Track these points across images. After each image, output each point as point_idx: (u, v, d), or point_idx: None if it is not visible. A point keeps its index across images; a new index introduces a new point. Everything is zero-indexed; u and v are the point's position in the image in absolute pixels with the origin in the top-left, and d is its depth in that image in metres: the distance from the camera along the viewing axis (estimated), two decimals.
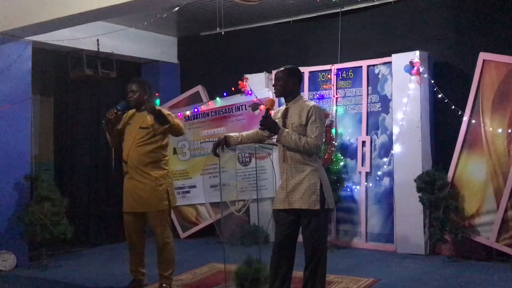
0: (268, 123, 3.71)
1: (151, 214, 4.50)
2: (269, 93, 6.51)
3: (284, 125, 3.79)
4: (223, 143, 3.99)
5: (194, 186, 7.29)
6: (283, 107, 3.92)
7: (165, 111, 4.52)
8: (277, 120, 3.82)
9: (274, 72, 3.99)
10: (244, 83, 6.80)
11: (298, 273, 3.96)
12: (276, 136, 3.74)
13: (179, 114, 7.30)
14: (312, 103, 3.82)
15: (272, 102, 3.82)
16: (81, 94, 7.42)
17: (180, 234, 7.29)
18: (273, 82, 3.91)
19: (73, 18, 5.19)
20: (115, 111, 4.51)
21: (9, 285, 5.20)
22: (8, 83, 5.87)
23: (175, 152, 7.36)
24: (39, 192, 5.80)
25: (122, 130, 4.66)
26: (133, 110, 4.67)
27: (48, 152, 7.66)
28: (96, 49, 6.71)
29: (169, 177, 4.63)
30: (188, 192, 7.32)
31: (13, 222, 5.77)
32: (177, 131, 4.56)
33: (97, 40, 6.68)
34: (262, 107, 6.08)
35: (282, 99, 3.95)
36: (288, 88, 3.83)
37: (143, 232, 4.70)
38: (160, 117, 4.41)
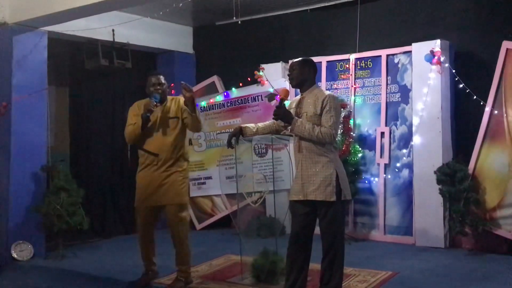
0: (281, 113, 3.72)
1: (170, 207, 4.52)
2: (286, 83, 6.50)
3: (299, 115, 3.80)
4: (239, 135, 4.01)
5: (210, 177, 7.33)
6: (298, 97, 3.94)
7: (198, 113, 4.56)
8: (291, 110, 3.83)
9: (291, 61, 4.01)
10: (260, 73, 6.81)
11: (315, 265, 3.98)
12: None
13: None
14: (327, 92, 3.83)
15: (286, 93, 3.83)
16: (97, 84, 7.49)
17: (196, 225, 7.35)
18: (288, 72, 3.95)
19: (89, 8, 5.22)
20: (155, 103, 4.53)
21: (26, 275, 5.30)
22: (24, 74, 5.94)
23: (190, 143, 7.40)
24: (55, 182, 5.88)
25: (152, 125, 4.63)
26: (144, 102, 4.66)
27: (64, 143, 7.74)
28: (111, 39, 6.76)
29: (187, 172, 4.70)
30: (204, 183, 7.37)
31: (30, 213, 5.87)
32: (197, 125, 4.57)
33: (113, 30, 6.73)
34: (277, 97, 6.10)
35: (298, 91, 3.97)
36: (303, 77, 3.84)
37: (156, 225, 4.76)
38: (193, 104, 4.46)
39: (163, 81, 4.63)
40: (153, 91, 4.58)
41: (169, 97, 4.71)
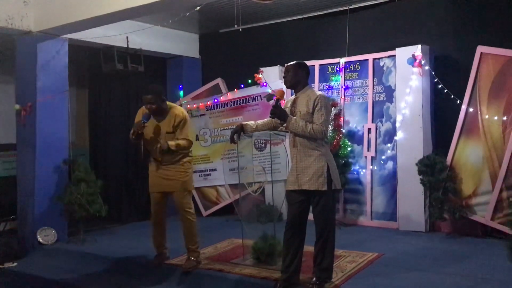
0: (277, 112, 3.72)
1: (178, 193, 4.55)
2: (283, 85, 6.46)
3: (293, 113, 3.80)
4: (240, 131, 4.01)
5: (214, 169, 7.34)
6: (293, 97, 3.94)
7: (173, 144, 4.41)
8: (286, 109, 3.83)
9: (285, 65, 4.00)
10: (260, 75, 6.80)
11: (309, 247, 3.99)
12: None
13: (200, 104, 7.34)
14: (319, 92, 3.83)
15: (282, 93, 3.83)
16: (113, 86, 7.49)
17: (203, 212, 7.36)
18: (283, 75, 3.93)
19: (105, 17, 5.22)
20: (142, 125, 4.44)
21: (50, 257, 5.33)
22: (47, 77, 5.95)
23: (197, 138, 7.41)
24: (76, 174, 5.90)
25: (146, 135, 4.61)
26: (143, 110, 4.56)
27: (84, 139, 7.76)
28: (125, 46, 6.75)
29: (192, 165, 4.71)
30: (209, 174, 7.37)
31: (53, 202, 5.90)
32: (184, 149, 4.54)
33: (127, 37, 6.71)
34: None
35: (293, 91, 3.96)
36: (296, 79, 3.84)
37: (165, 210, 4.77)
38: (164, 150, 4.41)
39: (151, 100, 4.38)
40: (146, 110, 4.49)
41: (171, 108, 4.55)
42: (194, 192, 7.41)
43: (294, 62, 3.91)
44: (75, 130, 7.47)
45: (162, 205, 4.71)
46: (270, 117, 3.83)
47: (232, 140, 4.02)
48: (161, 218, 4.74)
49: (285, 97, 4.21)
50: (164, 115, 4.54)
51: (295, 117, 3.73)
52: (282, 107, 3.86)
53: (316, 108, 3.70)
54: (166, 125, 4.53)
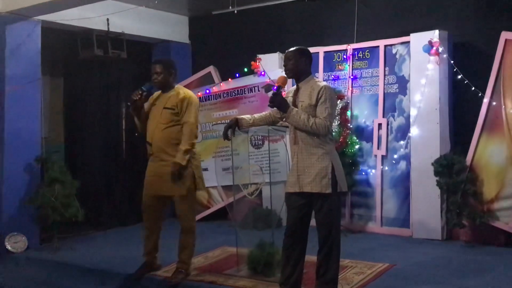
0: (277, 101, 3.71)
1: (176, 197, 4.50)
2: (283, 74, 6.48)
3: (295, 105, 3.79)
4: (235, 126, 4.00)
5: (206, 169, 7.30)
6: (294, 87, 3.92)
7: (182, 151, 4.37)
8: (287, 99, 3.81)
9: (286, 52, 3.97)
10: (257, 63, 6.79)
11: (311, 257, 4.00)
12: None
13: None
14: (324, 83, 3.81)
15: (284, 80, 3.82)
16: (91, 75, 7.46)
17: None
18: (284, 63, 3.89)
19: None
20: (140, 92, 4.48)
21: (20, 267, 5.31)
22: (17, 64, 5.92)
23: None
24: (50, 174, 5.88)
25: (148, 113, 4.63)
26: (159, 92, 4.65)
27: (59, 134, 7.75)
28: (106, 29, 6.72)
29: (195, 159, 4.57)
30: None
31: (24, 205, 5.87)
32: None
33: (107, 19, 6.69)
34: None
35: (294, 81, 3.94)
36: (299, 68, 3.82)
37: (162, 215, 4.71)
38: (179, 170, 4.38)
39: (158, 70, 4.53)
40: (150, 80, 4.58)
41: (177, 88, 4.62)
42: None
43: (294, 48, 3.87)
44: (49, 123, 7.44)
45: (157, 210, 4.63)
46: (268, 106, 3.79)
47: (225, 136, 4.01)
48: (156, 223, 4.68)
49: (287, 86, 4.20)
50: (168, 92, 4.57)
51: (296, 109, 3.71)
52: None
53: (320, 101, 3.69)
54: (166, 99, 4.53)
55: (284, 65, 3.89)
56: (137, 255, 4.84)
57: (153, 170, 4.57)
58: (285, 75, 3.90)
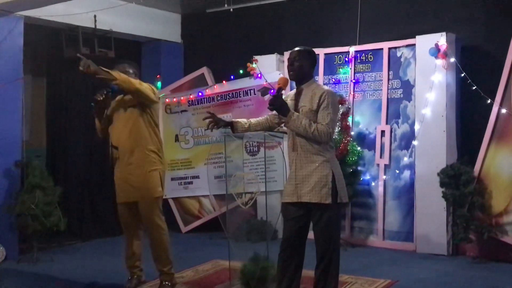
0: (277, 103, 3.70)
1: (142, 202, 4.53)
2: (281, 76, 6.50)
3: (295, 109, 3.79)
4: (224, 125, 4.00)
5: (197, 177, 7.33)
6: (293, 91, 3.92)
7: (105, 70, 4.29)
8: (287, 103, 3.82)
9: (286, 53, 3.98)
10: (253, 65, 6.81)
11: (308, 272, 3.99)
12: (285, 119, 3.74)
13: (182, 98, 7.34)
14: (326, 87, 3.82)
15: (285, 81, 3.82)
16: (76, 74, 7.40)
17: (182, 228, 7.35)
18: (288, 63, 3.87)
19: None
20: (105, 92, 4.50)
21: None
22: None
23: (177, 139, 7.41)
24: (30, 180, 5.86)
25: (110, 116, 4.65)
26: (121, 95, 4.64)
27: (40, 137, 7.71)
28: (93, 26, 6.73)
29: (162, 164, 4.64)
30: (190, 183, 7.36)
31: (2, 213, 5.85)
32: (128, 88, 4.35)
33: (94, 16, 6.70)
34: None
35: (293, 84, 3.94)
36: (304, 70, 3.81)
37: (139, 224, 4.73)
38: (101, 73, 4.25)
39: (127, 69, 4.57)
40: None
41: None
42: (172, 204, 7.41)
43: (301, 47, 3.84)
44: (30, 126, 7.42)
45: (131, 217, 4.67)
46: (268, 108, 3.78)
47: (208, 126, 4.00)
48: (133, 232, 4.70)
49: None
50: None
51: (297, 113, 3.71)
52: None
53: (322, 106, 3.69)
54: (127, 101, 4.54)
55: (289, 65, 3.85)
56: (121, 267, 4.84)
57: (120, 176, 4.60)
58: (287, 77, 3.89)
